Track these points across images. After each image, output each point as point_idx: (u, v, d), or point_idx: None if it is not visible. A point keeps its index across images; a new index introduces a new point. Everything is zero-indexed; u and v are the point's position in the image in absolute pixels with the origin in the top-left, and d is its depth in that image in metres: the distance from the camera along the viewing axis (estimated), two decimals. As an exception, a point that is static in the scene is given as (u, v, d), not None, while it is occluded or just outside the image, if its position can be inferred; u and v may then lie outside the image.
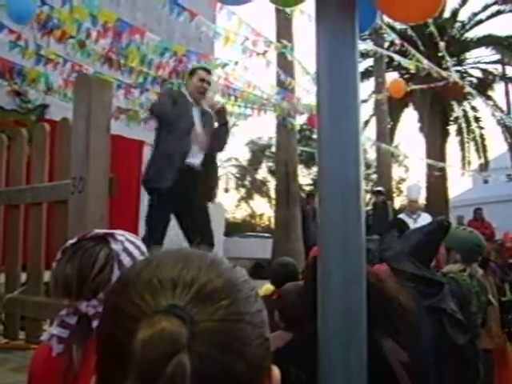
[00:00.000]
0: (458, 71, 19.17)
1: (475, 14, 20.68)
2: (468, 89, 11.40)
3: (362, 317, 1.95)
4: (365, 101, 19.66)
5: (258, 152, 35.50)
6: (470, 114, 21.30)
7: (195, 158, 4.44)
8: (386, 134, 16.83)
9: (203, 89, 4.54)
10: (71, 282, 1.40)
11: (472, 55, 21.79)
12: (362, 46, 7.50)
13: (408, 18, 2.45)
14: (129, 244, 1.46)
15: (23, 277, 3.51)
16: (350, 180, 2.08)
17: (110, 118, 2.56)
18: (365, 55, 15.34)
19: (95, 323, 1.36)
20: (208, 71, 4.77)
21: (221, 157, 34.07)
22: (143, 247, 1.52)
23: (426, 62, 7.39)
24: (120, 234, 1.48)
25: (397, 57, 7.22)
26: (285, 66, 8.45)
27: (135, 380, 0.54)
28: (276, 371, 0.66)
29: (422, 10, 2.26)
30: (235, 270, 0.67)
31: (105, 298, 0.69)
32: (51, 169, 3.05)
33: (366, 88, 21.38)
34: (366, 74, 19.97)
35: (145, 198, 9.53)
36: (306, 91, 8.31)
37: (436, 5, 2.22)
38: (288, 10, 5.57)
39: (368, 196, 33.31)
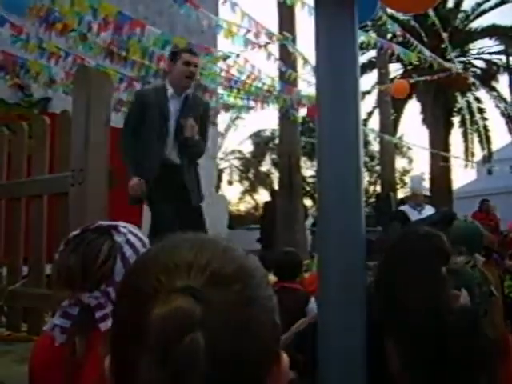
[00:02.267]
0: (461, 62, 19.13)
1: (479, 4, 20.61)
2: (472, 80, 11.34)
3: (362, 306, 1.96)
4: (368, 92, 19.68)
5: (262, 144, 35.49)
6: (474, 105, 21.24)
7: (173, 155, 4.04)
8: (389, 126, 16.80)
9: (190, 73, 3.97)
10: (74, 274, 1.41)
11: (476, 46, 21.75)
12: (365, 37, 7.46)
13: (408, 8, 2.45)
14: (131, 236, 1.47)
15: (25, 269, 3.53)
16: (349, 171, 2.08)
17: (110, 110, 2.56)
18: (368, 46, 15.32)
19: (98, 314, 1.37)
20: (193, 52, 4.19)
21: (225, 149, 34.13)
22: (145, 239, 1.53)
23: (428, 54, 7.36)
24: (123, 226, 1.49)
25: (397, 48, 7.17)
26: (287, 58, 8.43)
27: (151, 355, 0.56)
28: (285, 358, 0.67)
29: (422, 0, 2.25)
30: (248, 256, 0.70)
31: (121, 280, 0.71)
32: (52, 161, 3.06)
33: (369, 79, 21.37)
34: (369, 66, 19.95)
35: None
36: (307, 83, 8.29)
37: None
38: (289, 1, 5.55)
39: (372, 188, 33.37)
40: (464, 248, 3.40)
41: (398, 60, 18.27)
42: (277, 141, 20.61)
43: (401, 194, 23.16)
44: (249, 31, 6.16)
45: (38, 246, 3.23)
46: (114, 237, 1.44)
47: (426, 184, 19.73)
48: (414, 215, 6.77)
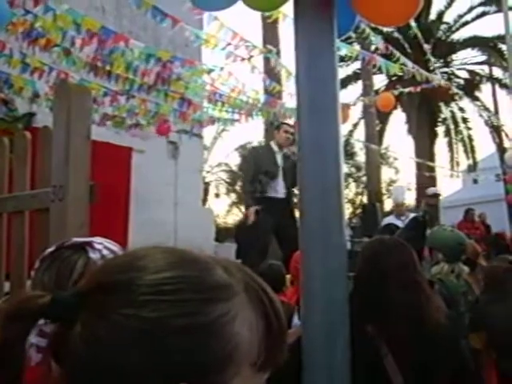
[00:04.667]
0: (445, 73, 19.33)
1: (461, 16, 20.86)
2: (454, 90, 11.46)
3: (345, 315, 1.95)
4: (353, 104, 19.78)
5: (249, 157, 35.43)
6: (458, 115, 21.46)
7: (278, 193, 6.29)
8: (374, 136, 16.89)
9: (288, 139, 6.13)
10: (49, 292, 1.39)
11: (459, 57, 22.02)
12: (348, 49, 7.51)
13: (385, 20, 2.47)
14: (107, 252, 1.45)
15: (7, 286, 3.48)
16: (330, 182, 2.09)
17: (91, 124, 2.56)
18: (352, 58, 15.42)
19: None
20: (291, 125, 6.34)
21: (211, 163, 34.11)
22: None
23: (410, 65, 7.42)
24: (98, 242, 1.47)
25: (380, 60, 7.22)
26: (271, 71, 8.45)
27: None
28: None
29: (399, 13, 2.27)
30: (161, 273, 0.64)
31: None
32: (34, 177, 3.04)
33: (354, 91, 21.54)
34: (354, 77, 20.09)
35: (135, 206, 9.55)
36: (290, 96, 8.32)
37: (412, 9, 2.24)
38: (268, 14, 5.57)
39: (358, 198, 33.43)
40: (441, 255, 3.42)
41: (383, 71, 18.41)
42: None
43: (388, 204, 23.24)
44: (229, 44, 6.18)
45: (20, 262, 3.19)
46: (88, 253, 1.42)
47: (413, 194, 19.80)
48: (400, 225, 6.81)
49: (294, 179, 6.48)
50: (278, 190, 6.32)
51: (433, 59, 9.89)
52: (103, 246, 1.46)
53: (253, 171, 6.13)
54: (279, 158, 6.18)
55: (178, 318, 0.60)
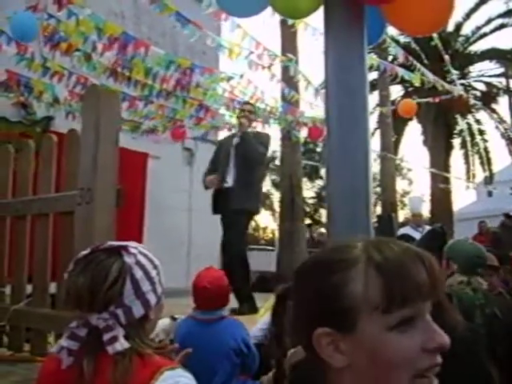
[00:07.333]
0: (462, 84, 19.22)
1: (479, 28, 20.76)
2: (472, 102, 11.40)
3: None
4: (369, 113, 19.72)
5: (262, 165, 35.46)
6: (474, 127, 21.29)
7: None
8: (390, 147, 16.81)
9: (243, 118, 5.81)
10: (83, 294, 1.38)
11: (476, 68, 21.88)
12: (369, 59, 7.49)
13: (418, 30, 2.46)
14: (142, 257, 1.45)
15: (29, 288, 3.49)
16: (359, 191, 2.08)
17: (119, 129, 2.56)
18: (370, 68, 15.38)
19: (106, 337, 1.34)
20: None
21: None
22: (156, 260, 1.51)
23: (430, 76, 7.40)
24: (133, 246, 1.47)
25: (400, 70, 7.20)
26: (290, 79, 8.46)
27: None
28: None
29: (432, 22, 2.27)
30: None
31: None
32: (58, 180, 3.05)
33: (371, 101, 21.49)
34: (371, 87, 19.99)
35: (150, 211, 9.57)
36: (309, 104, 8.31)
37: (444, 17, 2.24)
38: (293, 22, 5.58)
39: (371, 209, 33.26)
40: (456, 266, 3.37)
41: (399, 82, 18.36)
42: (277, 161, 20.61)
43: (401, 215, 23.13)
44: (252, 53, 6.19)
45: (43, 265, 3.20)
46: (123, 257, 1.42)
47: (427, 206, 19.71)
48: (416, 236, 6.74)
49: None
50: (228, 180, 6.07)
51: (452, 70, 9.84)
52: (138, 251, 1.46)
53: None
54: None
55: (314, 285, 0.94)
